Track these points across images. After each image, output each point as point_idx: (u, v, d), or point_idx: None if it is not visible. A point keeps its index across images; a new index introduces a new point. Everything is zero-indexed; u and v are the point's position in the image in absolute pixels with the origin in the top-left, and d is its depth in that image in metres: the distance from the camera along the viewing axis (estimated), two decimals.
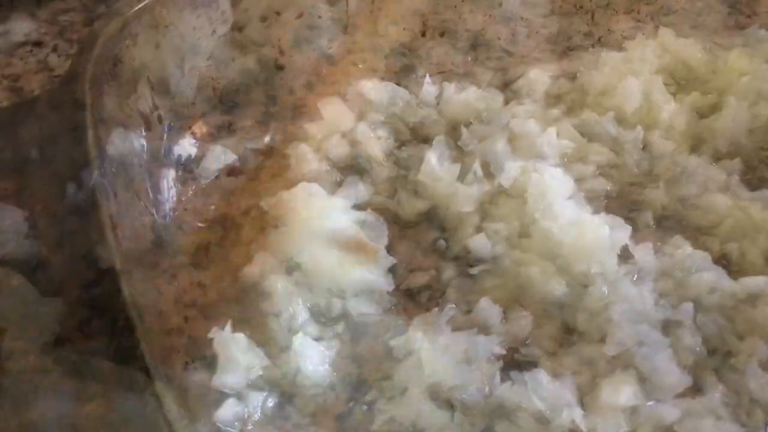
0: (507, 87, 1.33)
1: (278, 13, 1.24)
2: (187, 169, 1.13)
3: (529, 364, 0.92)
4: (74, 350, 0.62)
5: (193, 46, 1.16)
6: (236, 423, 0.86)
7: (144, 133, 1.04)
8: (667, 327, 0.95)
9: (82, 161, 0.78)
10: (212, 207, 1.11)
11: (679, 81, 1.36)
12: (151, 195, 1.02)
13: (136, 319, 0.64)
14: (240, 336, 0.91)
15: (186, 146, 1.15)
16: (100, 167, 0.80)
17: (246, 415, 0.87)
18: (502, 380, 0.88)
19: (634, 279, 0.98)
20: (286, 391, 0.91)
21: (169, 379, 0.81)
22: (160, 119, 1.09)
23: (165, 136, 1.11)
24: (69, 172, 0.77)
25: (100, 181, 0.78)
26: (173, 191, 1.09)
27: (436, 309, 0.96)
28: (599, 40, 1.45)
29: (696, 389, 0.91)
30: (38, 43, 1.41)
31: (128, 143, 0.98)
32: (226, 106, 1.23)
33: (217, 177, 1.15)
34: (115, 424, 0.57)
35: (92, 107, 0.85)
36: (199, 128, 1.18)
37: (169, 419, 0.57)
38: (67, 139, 0.80)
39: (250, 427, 0.87)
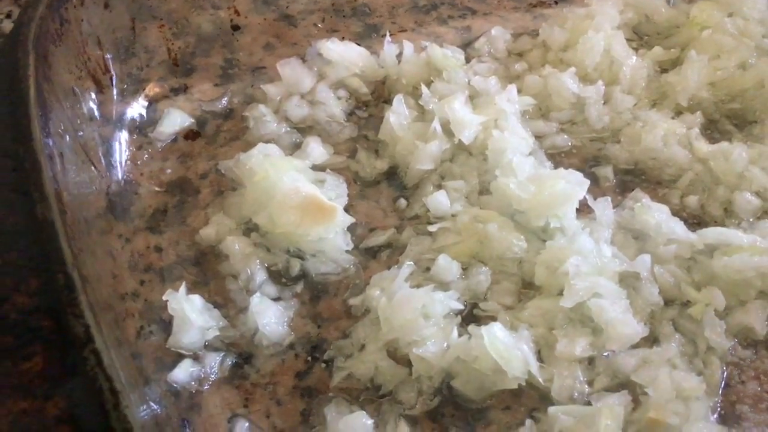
0: (469, 45, 1.32)
1: None
2: (143, 132, 1.11)
3: (487, 319, 0.92)
4: (13, 309, 0.61)
5: (146, 6, 1.13)
6: (192, 383, 0.86)
7: (95, 96, 1.02)
8: (625, 279, 0.95)
9: (24, 122, 0.76)
10: (169, 171, 1.10)
11: (642, 36, 1.36)
12: (103, 160, 1.00)
13: (76, 277, 0.63)
14: (195, 297, 0.91)
15: (140, 109, 1.13)
16: (44, 128, 0.78)
17: (202, 375, 0.87)
18: (460, 335, 0.88)
19: (592, 233, 0.98)
20: (244, 351, 0.91)
21: (121, 343, 0.80)
22: (112, 81, 1.07)
23: (118, 98, 1.09)
24: (10, 133, 0.75)
25: (44, 142, 0.77)
26: (127, 154, 1.07)
27: (395, 267, 0.95)
28: None
29: (653, 339, 0.91)
30: None
31: (78, 105, 0.96)
32: (182, 68, 1.21)
33: (173, 140, 1.14)
34: (55, 379, 0.56)
35: (36, 68, 0.83)
36: (153, 90, 1.16)
37: (110, 375, 0.56)
38: (8, 100, 0.78)
39: (206, 387, 0.86)
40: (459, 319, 0.91)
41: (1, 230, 0.67)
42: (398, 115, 1.13)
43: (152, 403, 0.78)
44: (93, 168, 0.94)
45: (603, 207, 1.01)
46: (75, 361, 0.58)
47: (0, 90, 0.81)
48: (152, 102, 1.15)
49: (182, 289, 0.90)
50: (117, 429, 0.55)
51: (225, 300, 0.95)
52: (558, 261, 0.94)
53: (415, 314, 0.88)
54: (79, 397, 0.57)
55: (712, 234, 0.99)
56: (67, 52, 0.96)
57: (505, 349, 0.84)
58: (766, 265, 0.93)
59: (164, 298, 0.89)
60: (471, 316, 0.93)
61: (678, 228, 0.99)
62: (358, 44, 1.26)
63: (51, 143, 0.79)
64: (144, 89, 1.15)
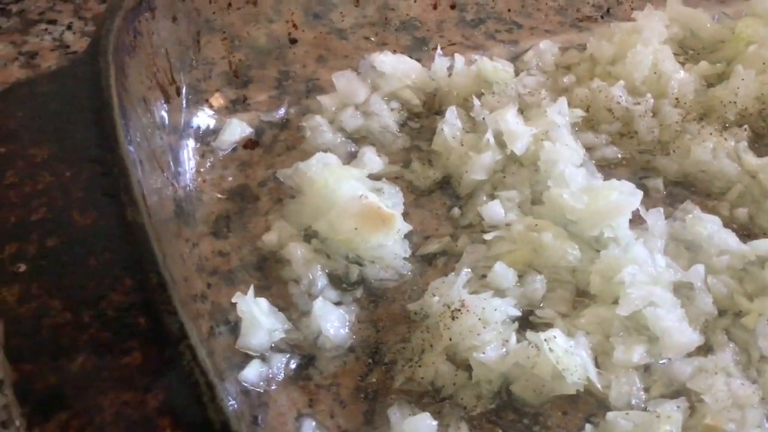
0: (517, 58, 1.35)
1: None
2: (205, 141, 1.15)
3: (543, 326, 0.94)
4: (110, 306, 0.64)
5: (209, 20, 1.18)
6: (261, 383, 0.89)
7: (164, 105, 1.06)
8: (679, 289, 0.97)
9: (109, 130, 0.80)
10: (230, 178, 1.13)
11: (688, 50, 1.39)
12: (172, 166, 1.04)
13: (167, 277, 0.67)
14: (262, 300, 0.94)
15: (204, 118, 1.17)
16: (126, 135, 0.82)
17: (270, 376, 0.90)
18: (518, 341, 0.90)
19: (646, 243, 1.00)
20: (307, 353, 0.93)
21: (201, 342, 0.83)
22: (178, 92, 1.11)
23: (183, 109, 1.13)
24: (97, 140, 0.79)
25: (127, 148, 0.80)
26: (192, 163, 1.11)
27: (452, 274, 0.98)
28: (608, 11, 1.46)
29: (707, 348, 0.93)
30: (53, 21, 1.43)
31: (150, 115, 1.00)
32: (241, 80, 1.25)
33: (234, 149, 1.17)
34: (153, 373, 0.60)
35: (115, 78, 0.87)
36: (216, 101, 1.20)
37: (204, 369, 0.60)
38: (93, 109, 0.82)
39: (273, 387, 0.89)
40: (516, 325, 0.93)
41: (94, 232, 0.71)
42: (451, 126, 1.16)
43: (231, 400, 0.81)
44: (164, 174, 0.98)
45: (656, 218, 1.03)
46: (172, 356, 0.61)
47: (83, 99, 0.84)
48: (215, 112, 1.19)
49: (250, 292, 0.93)
50: (214, 420, 0.58)
51: (287, 304, 0.98)
52: (613, 270, 0.96)
53: (474, 320, 0.91)
54: (178, 389, 0.60)
55: (764, 245, 1.00)
56: (139, 63, 1.00)
57: (564, 354, 0.87)
58: None
59: (233, 300, 0.92)
60: (527, 323, 0.95)
61: (730, 239, 1.01)
62: (410, 57, 1.30)
63: (133, 150, 0.82)
64: (206, 100, 1.19)
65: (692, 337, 0.91)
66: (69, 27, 1.42)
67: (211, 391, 0.59)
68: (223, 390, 0.76)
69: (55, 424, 0.58)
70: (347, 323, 0.96)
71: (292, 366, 0.92)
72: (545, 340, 0.88)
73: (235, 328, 0.93)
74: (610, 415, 0.85)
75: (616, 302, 0.94)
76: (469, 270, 0.98)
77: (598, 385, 0.87)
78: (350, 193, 1.02)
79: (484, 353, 0.88)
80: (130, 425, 0.58)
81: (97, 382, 0.61)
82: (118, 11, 0.96)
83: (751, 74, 1.22)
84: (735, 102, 1.21)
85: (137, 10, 1.00)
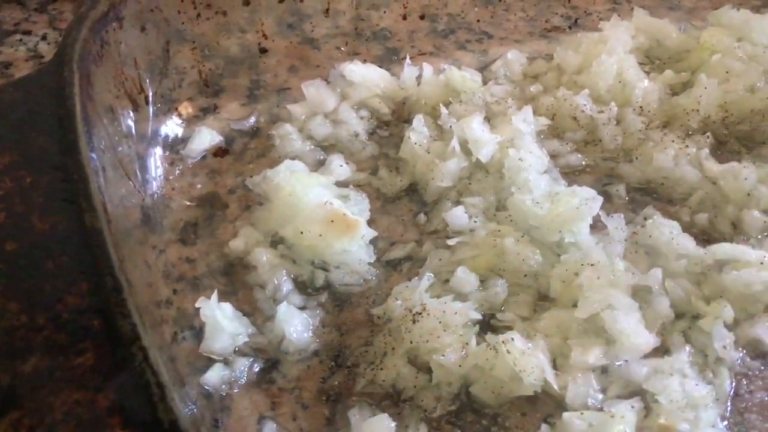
0: (486, 68, 1.37)
1: None
2: (174, 149, 1.17)
3: (504, 329, 0.95)
4: (65, 309, 0.65)
5: (179, 30, 1.19)
6: (223, 386, 0.90)
7: (132, 114, 1.08)
8: (637, 292, 0.99)
9: (71, 138, 0.81)
10: (199, 186, 1.15)
11: (654, 60, 1.41)
12: (139, 174, 1.05)
13: (123, 281, 0.68)
14: (226, 305, 0.95)
15: (173, 127, 1.19)
16: (89, 143, 0.83)
17: (232, 379, 0.91)
18: (478, 343, 0.91)
19: (605, 247, 1.01)
20: (271, 357, 0.95)
21: (160, 346, 0.84)
22: (147, 101, 1.12)
23: (152, 117, 1.14)
24: (59, 147, 0.81)
25: (90, 156, 0.82)
26: (160, 170, 1.12)
27: (416, 278, 1.00)
28: (576, 22, 1.49)
29: (664, 350, 0.95)
30: (28, 32, 1.45)
31: (117, 123, 1.02)
32: (212, 89, 1.26)
33: (203, 157, 1.19)
34: (105, 373, 0.61)
35: (80, 86, 0.89)
36: (186, 110, 1.21)
37: (156, 370, 0.61)
38: (56, 117, 0.84)
39: (236, 390, 0.90)
40: (477, 328, 0.95)
41: (52, 237, 0.72)
42: (418, 134, 1.18)
43: (190, 404, 0.82)
44: (130, 182, 0.99)
45: (616, 223, 1.05)
46: (124, 357, 0.62)
47: (47, 107, 0.86)
48: (184, 121, 1.20)
49: (214, 297, 0.94)
50: (164, 420, 0.59)
51: (252, 309, 1.00)
52: (572, 274, 0.98)
53: (435, 323, 0.92)
54: (128, 390, 0.61)
55: (722, 250, 1.02)
56: (106, 72, 1.01)
57: (521, 356, 0.88)
58: None
59: (197, 305, 0.93)
60: (488, 326, 0.97)
61: (689, 244, 1.03)
62: (380, 66, 1.32)
63: (95, 157, 0.84)
64: (176, 108, 1.20)
65: (649, 339, 0.93)
66: (44, 38, 1.44)
67: (162, 391, 0.60)
68: (183, 393, 0.78)
69: (6, 423, 0.59)
70: (311, 327, 0.97)
71: (256, 370, 0.93)
72: (503, 342, 0.89)
73: (199, 333, 0.94)
74: (565, 415, 0.86)
75: (575, 305, 0.95)
76: (432, 275, 1.00)
77: (555, 387, 0.89)
78: (316, 200, 1.03)
79: (443, 356, 0.90)
80: (80, 424, 0.59)
81: (49, 382, 0.62)
82: (84, 21, 0.98)
83: (714, 83, 1.25)
84: (698, 110, 1.24)
85: (104, 20, 1.01)
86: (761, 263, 0.99)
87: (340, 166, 1.14)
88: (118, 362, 0.63)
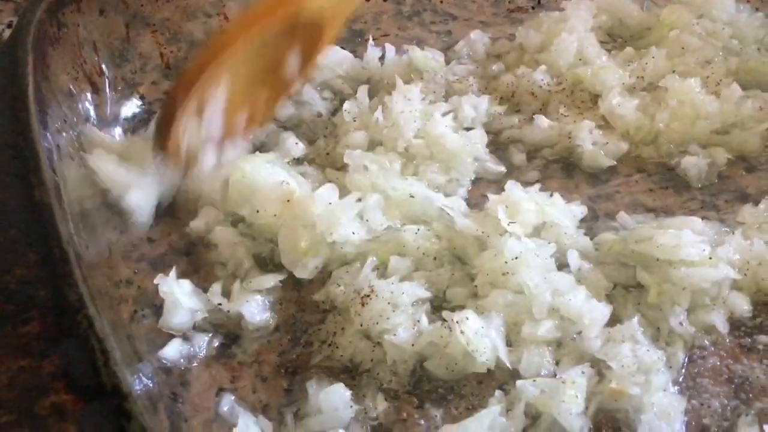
0: (450, 48, 1.39)
1: None
2: (136, 132, 1.17)
3: (455, 307, 0.96)
4: (14, 280, 0.66)
5: (139, 13, 1.20)
6: (181, 360, 0.91)
7: (91, 97, 1.08)
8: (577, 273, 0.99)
9: (23, 115, 0.82)
10: None
11: (616, 38, 1.43)
12: None
13: (71, 254, 0.69)
14: (185, 282, 0.96)
15: (134, 110, 1.19)
16: (41, 122, 0.84)
17: (191, 354, 0.92)
18: (431, 321, 0.93)
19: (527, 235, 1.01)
20: (231, 332, 0.96)
21: (116, 325, 0.85)
22: (107, 83, 1.13)
23: (113, 100, 1.15)
24: (10, 125, 0.81)
25: (42, 133, 0.82)
26: None
27: (357, 263, 1.00)
28: (539, 2, 1.50)
29: (615, 319, 0.96)
30: None
31: (75, 105, 1.02)
32: (175, 72, 1.27)
33: None
34: (50, 341, 0.62)
35: (34, 67, 0.89)
36: (148, 93, 1.22)
37: (100, 337, 0.62)
38: (9, 96, 0.85)
39: (195, 365, 0.91)
40: (427, 306, 0.96)
41: (2, 211, 0.73)
42: (353, 104, 1.21)
43: (145, 379, 0.83)
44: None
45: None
46: (69, 325, 0.64)
47: (1, 87, 0.86)
48: (146, 104, 1.21)
49: (172, 273, 0.95)
50: (107, 384, 0.60)
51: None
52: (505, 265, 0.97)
53: (384, 304, 0.93)
54: (73, 356, 0.62)
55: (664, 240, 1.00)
56: (64, 54, 1.02)
57: (474, 336, 0.89)
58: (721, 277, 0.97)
59: (155, 281, 0.94)
60: (439, 305, 0.98)
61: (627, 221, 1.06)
62: (343, 48, 1.33)
63: (49, 136, 0.85)
64: (138, 92, 1.21)
65: (603, 310, 0.94)
66: (9, 26, 1.44)
67: (105, 357, 0.62)
68: (136, 370, 0.79)
69: None
70: (269, 304, 0.98)
71: (215, 345, 0.94)
72: (457, 322, 0.90)
73: (159, 311, 0.95)
74: (519, 383, 0.88)
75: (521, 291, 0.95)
76: (375, 258, 1.00)
77: (508, 364, 0.90)
78: (272, 180, 1.04)
79: (395, 335, 0.90)
80: (25, 389, 0.60)
81: None
82: (40, 3, 0.98)
83: (662, 53, 1.27)
84: (642, 77, 1.26)
85: (61, 1, 1.02)
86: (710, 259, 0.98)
87: (295, 144, 1.16)
88: (63, 330, 0.64)
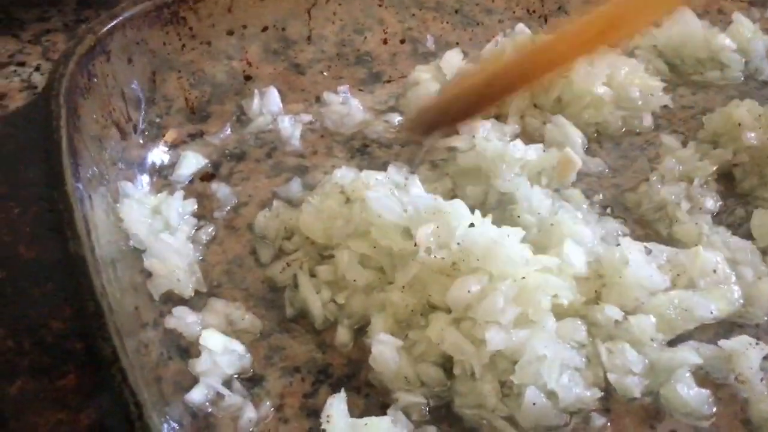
0: None
1: (244, 27, 1.32)
2: (162, 175, 1.21)
3: None
4: (50, 333, 0.69)
5: (164, 60, 1.24)
6: (207, 404, 0.93)
7: (119, 143, 1.12)
8: None
9: (58, 170, 0.86)
10: None
11: None
12: None
13: (104, 305, 0.72)
14: (219, 337, 0.97)
15: (161, 154, 1.23)
16: (74, 174, 0.87)
17: (217, 398, 0.94)
18: None
19: None
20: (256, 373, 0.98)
21: (144, 367, 0.88)
22: (134, 129, 1.17)
23: (140, 145, 1.19)
24: (46, 179, 0.85)
25: (75, 186, 0.86)
26: None
27: None
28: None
29: None
30: (22, 63, 1.50)
31: (103, 152, 1.06)
32: (198, 115, 1.31)
33: (191, 182, 1.23)
34: (86, 394, 0.65)
35: (67, 119, 0.93)
36: (172, 137, 1.26)
37: (134, 390, 0.65)
38: (44, 149, 0.88)
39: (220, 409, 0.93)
40: None
41: (38, 265, 0.76)
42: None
43: (173, 422, 0.86)
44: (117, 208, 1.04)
45: None
46: (104, 378, 0.66)
47: (35, 141, 0.90)
48: (171, 147, 1.25)
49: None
50: None
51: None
52: None
53: None
54: (108, 409, 0.65)
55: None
56: (93, 104, 1.06)
57: None
58: None
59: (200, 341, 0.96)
60: None
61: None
62: (361, 90, 1.37)
63: (81, 187, 0.88)
64: (164, 135, 1.24)
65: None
66: (37, 68, 1.49)
67: (139, 410, 0.64)
68: (163, 413, 0.81)
69: None
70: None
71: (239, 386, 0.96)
72: None
73: (185, 353, 0.98)
74: None
75: None
76: None
77: None
78: None
79: None
80: None
81: (34, 402, 0.66)
82: (72, 56, 1.02)
83: None
84: None
85: (91, 54, 1.06)
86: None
87: None
88: (98, 383, 0.67)
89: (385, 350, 0.92)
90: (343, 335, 1.00)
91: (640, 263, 0.99)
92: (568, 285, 0.96)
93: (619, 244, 1.03)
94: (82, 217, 0.81)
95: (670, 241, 1.12)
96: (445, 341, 0.91)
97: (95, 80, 1.07)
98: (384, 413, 0.90)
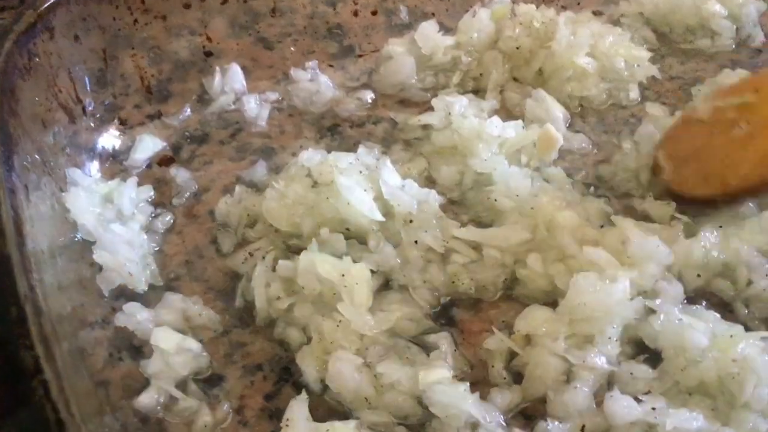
0: None
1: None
2: (117, 160, 1.14)
3: None
4: None
5: (116, 37, 1.16)
6: (158, 408, 0.86)
7: (66, 126, 1.04)
8: None
9: None
10: None
11: None
12: None
13: (29, 312, 0.65)
14: (173, 335, 0.90)
15: (115, 137, 1.15)
16: (6, 163, 0.80)
17: (169, 401, 0.88)
18: None
19: None
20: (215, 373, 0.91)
21: (80, 371, 0.81)
22: (84, 111, 1.09)
23: (91, 128, 1.11)
24: None
25: (6, 176, 0.79)
26: None
27: None
28: None
29: None
30: None
31: (47, 137, 0.98)
32: (157, 95, 1.23)
33: (148, 166, 1.15)
34: (6, 408, 0.58)
35: (1, 103, 0.86)
36: (129, 116, 1.18)
37: (56, 406, 0.58)
38: None
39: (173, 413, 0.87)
40: None
41: None
42: None
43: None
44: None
45: None
46: (24, 392, 0.60)
47: None
48: (126, 130, 1.17)
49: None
50: None
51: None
52: None
53: None
54: (28, 426, 0.58)
55: None
56: (36, 85, 0.98)
57: None
58: None
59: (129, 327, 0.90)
60: None
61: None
62: (331, 66, 1.29)
63: (14, 177, 0.81)
64: (119, 117, 1.17)
65: None
66: None
67: (60, 428, 0.58)
68: (103, 423, 0.75)
69: None
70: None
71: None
72: None
73: (137, 352, 0.91)
74: None
75: None
76: None
77: None
78: None
79: None
80: None
81: None
82: (9, 34, 0.94)
83: None
84: None
85: (32, 31, 0.98)
86: None
87: None
88: (19, 397, 0.60)
89: (343, 369, 0.85)
90: (292, 334, 0.93)
91: None
92: None
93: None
94: (9, 210, 0.74)
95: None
96: None
97: (37, 60, 0.99)
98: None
